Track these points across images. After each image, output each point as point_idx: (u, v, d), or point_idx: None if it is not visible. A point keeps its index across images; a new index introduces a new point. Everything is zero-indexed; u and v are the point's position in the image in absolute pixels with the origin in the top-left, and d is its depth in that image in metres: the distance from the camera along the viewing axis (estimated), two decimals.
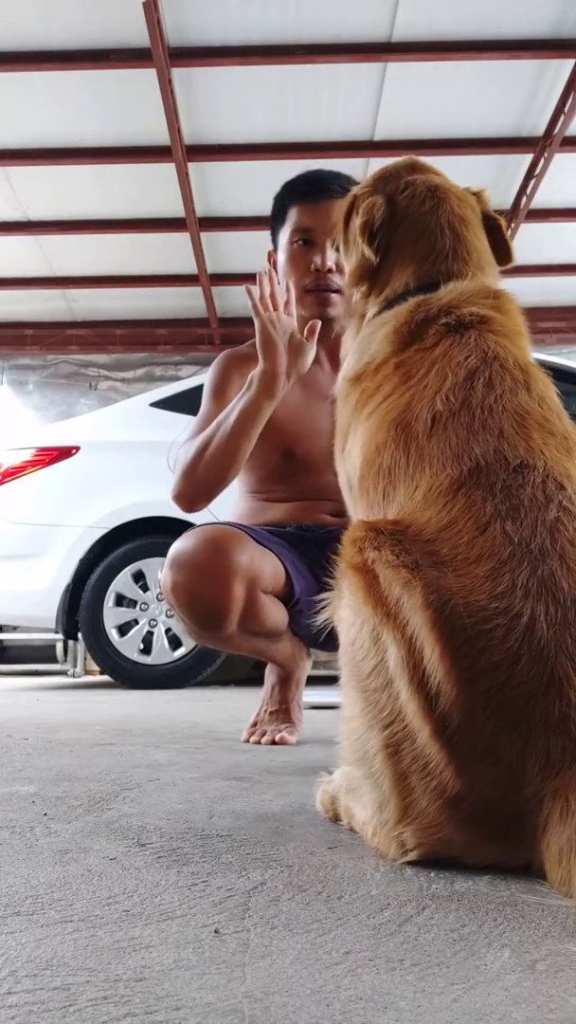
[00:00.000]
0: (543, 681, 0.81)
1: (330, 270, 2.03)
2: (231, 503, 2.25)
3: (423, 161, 1.44)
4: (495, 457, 0.97)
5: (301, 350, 1.84)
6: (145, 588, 4.32)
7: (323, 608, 1.04)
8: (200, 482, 1.87)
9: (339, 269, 2.01)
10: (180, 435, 4.51)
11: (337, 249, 1.50)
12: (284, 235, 2.11)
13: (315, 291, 2.05)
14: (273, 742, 1.93)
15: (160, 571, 4.44)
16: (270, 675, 2.09)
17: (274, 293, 1.83)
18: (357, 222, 1.34)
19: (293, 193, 2.10)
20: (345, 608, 0.95)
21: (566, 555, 0.87)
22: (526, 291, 7.90)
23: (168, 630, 4.30)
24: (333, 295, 2.05)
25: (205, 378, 2.17)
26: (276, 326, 1.82)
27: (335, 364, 2.11)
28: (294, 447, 2.07)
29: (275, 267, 2.14)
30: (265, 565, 1.85)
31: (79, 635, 4.46)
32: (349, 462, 1.19)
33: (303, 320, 2.08)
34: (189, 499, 1.90)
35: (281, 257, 2.11)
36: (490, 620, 0.84)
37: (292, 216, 2.08)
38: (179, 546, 1.84)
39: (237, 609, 1.78)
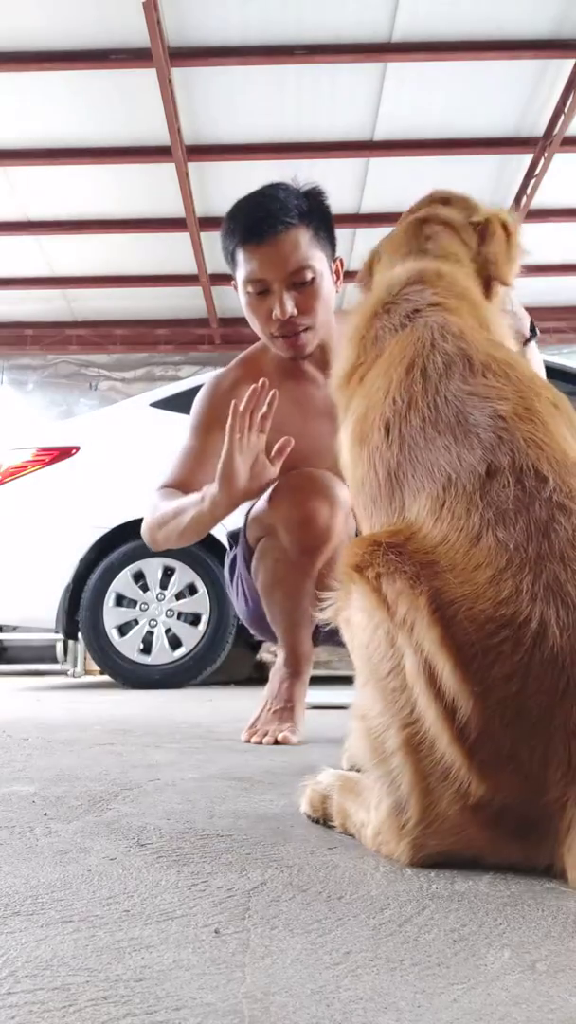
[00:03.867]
0: (559, 688, 0.80)
1: (292, 316, 1.96)
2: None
3: (449, 194, 1.45)
4: (464, 463, 0.94)
5: (262, 475, 1.83)
6: (145, 588, 4.31)
7: (327, 607, 1.02)
8: (159, 544, 2.06)
9: (301, 310, 1.97)
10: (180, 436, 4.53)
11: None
12: (239, 279, 2.02)
13: (283, 337, 2.01)
14: (276, 742, 1.93)
15: (159, 571, 4.42)
16: (279, 672, 2.08)
17: (255, 409, 1.79)
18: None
19: (235, 236, 1.98)
20: (357, 612, 0.94)
21: (567, 558, 0.85)
22: (526, 291, 7.93)
23: (168, 630, 4.30)
24: (303, 334, 2.00)
25: (193, 405, 2.15)
26: (242, 452, 1.79)
27: (328, 377, 2.12)
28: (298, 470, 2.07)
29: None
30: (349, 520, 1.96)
31: (79, 635, 4.46)
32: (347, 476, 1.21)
33: (281, 360, 2.08)
34: (152, 547, 2.10)
35: (241, 300, 2.04)
36: (498, 633, 0.82)
37: (241, 262, 1.98)
38: (283, 481, 1.94)
39: (337, 539, 1.93)
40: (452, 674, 0.83)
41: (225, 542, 2.34)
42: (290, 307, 1.96)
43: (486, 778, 0.82)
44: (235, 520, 2.24)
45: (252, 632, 2.30)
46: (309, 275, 1.97)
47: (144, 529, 2.06)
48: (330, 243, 2.04)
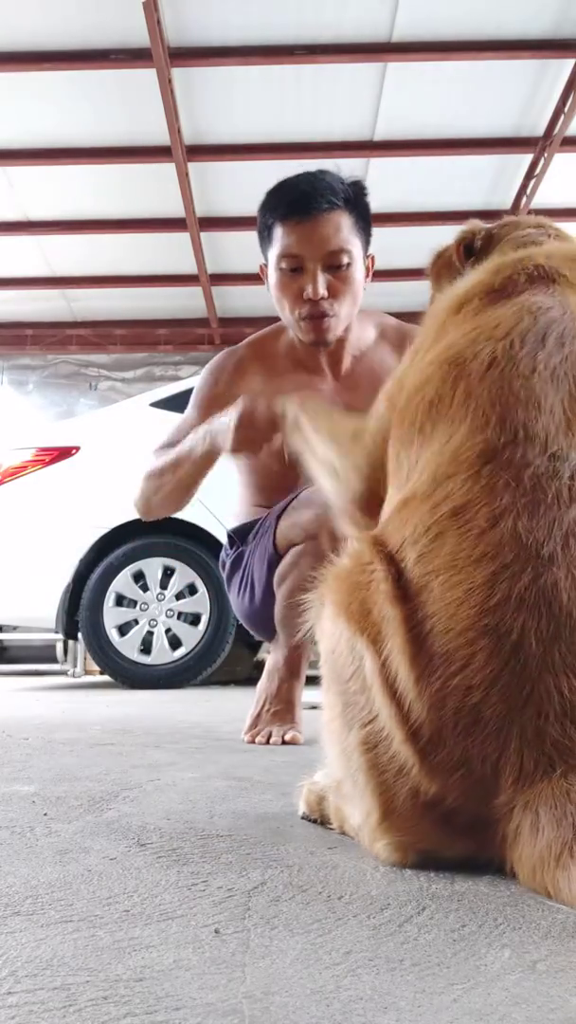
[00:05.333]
0: (522, 697, 0.80)
1: (323, 297, 1.94)
2: (237, 505, 2.26)
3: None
4: (539, 433, 0.88)
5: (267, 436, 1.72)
6: (145, 588, 4.31)
7: (307, 610, 1.03)
8: (153, 511, 2.10)
9: (332, 293, 1.94)
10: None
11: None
12: (271, 256, 1.99)
13: (310, 319, 1.98)
14: (283, 742, 1.93)
15: (159, 571, 4.43)
16: (277, 672, 2.07)
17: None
18: (453, 245, 1.30)
19: (277, 210, 1.95)
20: (326, 620, 0.95)
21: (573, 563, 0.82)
22: None
23: (168, 630, 4.30)
24: (329, 320, 1.97)
25: (198, 379, 2.16)
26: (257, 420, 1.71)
27: (337, 374, 2.10)
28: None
29: (267, 281, 2.07)
30: None
31: (79, 635, 4.46)
32: (398, 391, 1.09)
33: (302, 344, 2.06)
34: (143, 516, 2.14)
35: (271, 278, 2.01)
36: (475, 642, 0.81)
37: (278, 237, 1.95)
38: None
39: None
40: (413, 682, 0.83)
41: (225, 541, 2.33)
42: (322, 287, 1.92)
43: (436, 779, 0.82)
44: (237, 518, 2.24)
45: (249, 629, 2.29)
46: (345, 259, 1.94)
47: (139, 498, 2.07)
48: (367, 237, 2.01)
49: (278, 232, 1.96)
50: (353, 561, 0.96)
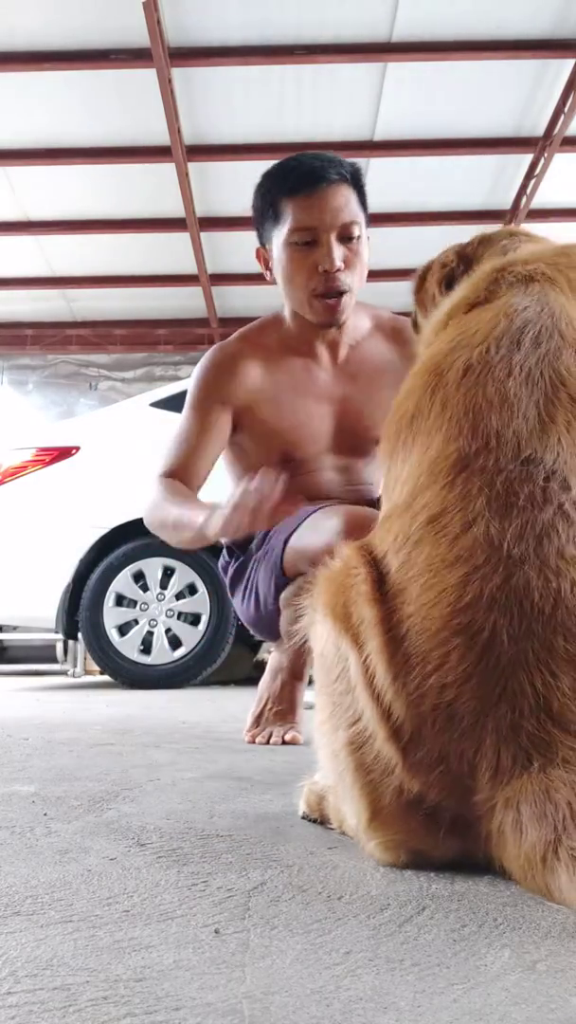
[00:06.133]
0: (495, 694, 0.81)
1: (339, 269, 1.90)
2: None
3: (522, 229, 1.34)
4: (512, 438, 0.89)
5: (264, 525, 1.63)
6: (145, 588, 4.31)
7: (302, 614, 1.04)
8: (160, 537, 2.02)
9: (347, 265, 1.91)
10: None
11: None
12: (279, 235, 1.94)
13: (324, 296, 1.93)
14: (284, 742, 1.93)
15: (159, 571, 4.43)
16: (280, 673, 2.07)
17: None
18: (433, 278, 1.29)
19: (284, 187, 1.92)
20: (317, 622, 0.97)
21: (548, 563, 0.83)
22: None
23: (168, 630, 4.30)
24: (343, 298, 1.94)
25: (191, 378, 2.11)
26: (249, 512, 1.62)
27: (335, 360, 2.09)
28: (292, 451, 2.03)
29: (267, 266, 2.03)
30: None
31: (79, 635, 4.46)
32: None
33: (311, 324, 2.05)
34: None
35: (280, 257, 1.95)
36: (449, 641, 0.83)
37: (287, 213, 1.91)
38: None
39: None
40: (390, 682, 0.84)
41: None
42: (339, 259, 1.89)
43: (418, 777, 0.83)
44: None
45: (254, 634, 2.27)
46: (357, 231, 1.92)
47: (146, 522, 2.02)
48: (367, 217, 1.99)
49: (287, 207, 1.91)
50: (342, 565, 0.98)
